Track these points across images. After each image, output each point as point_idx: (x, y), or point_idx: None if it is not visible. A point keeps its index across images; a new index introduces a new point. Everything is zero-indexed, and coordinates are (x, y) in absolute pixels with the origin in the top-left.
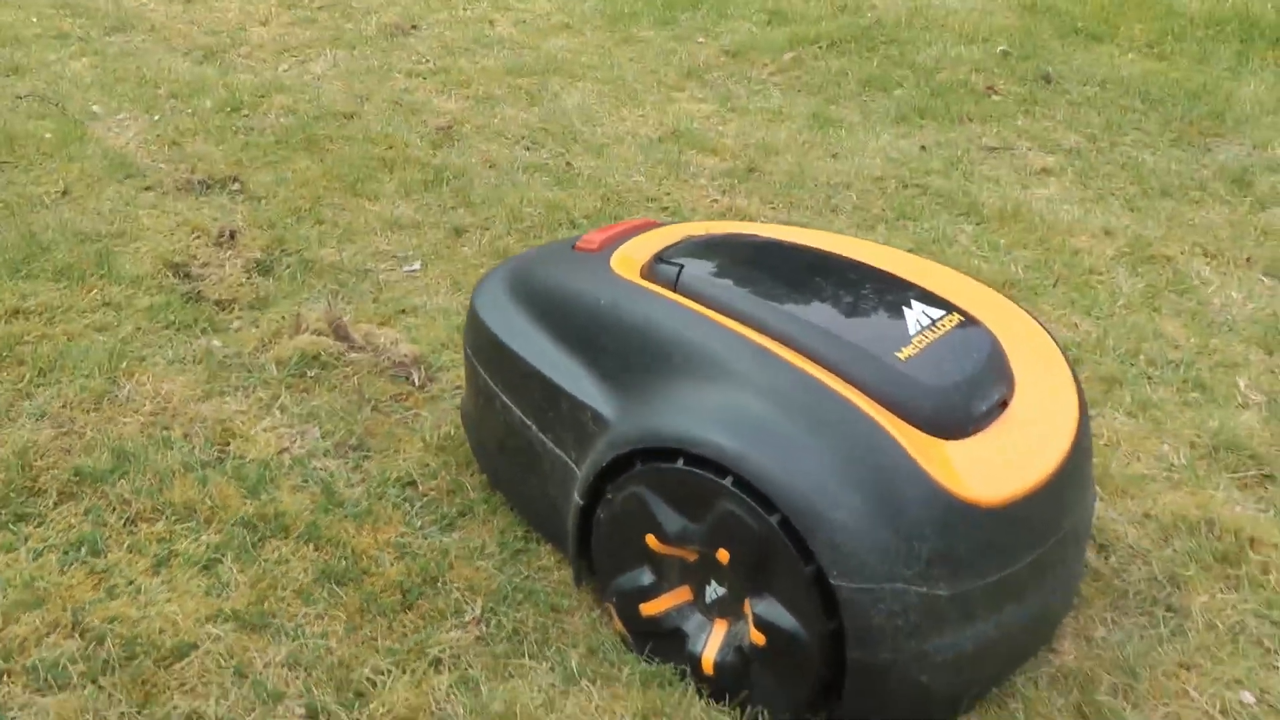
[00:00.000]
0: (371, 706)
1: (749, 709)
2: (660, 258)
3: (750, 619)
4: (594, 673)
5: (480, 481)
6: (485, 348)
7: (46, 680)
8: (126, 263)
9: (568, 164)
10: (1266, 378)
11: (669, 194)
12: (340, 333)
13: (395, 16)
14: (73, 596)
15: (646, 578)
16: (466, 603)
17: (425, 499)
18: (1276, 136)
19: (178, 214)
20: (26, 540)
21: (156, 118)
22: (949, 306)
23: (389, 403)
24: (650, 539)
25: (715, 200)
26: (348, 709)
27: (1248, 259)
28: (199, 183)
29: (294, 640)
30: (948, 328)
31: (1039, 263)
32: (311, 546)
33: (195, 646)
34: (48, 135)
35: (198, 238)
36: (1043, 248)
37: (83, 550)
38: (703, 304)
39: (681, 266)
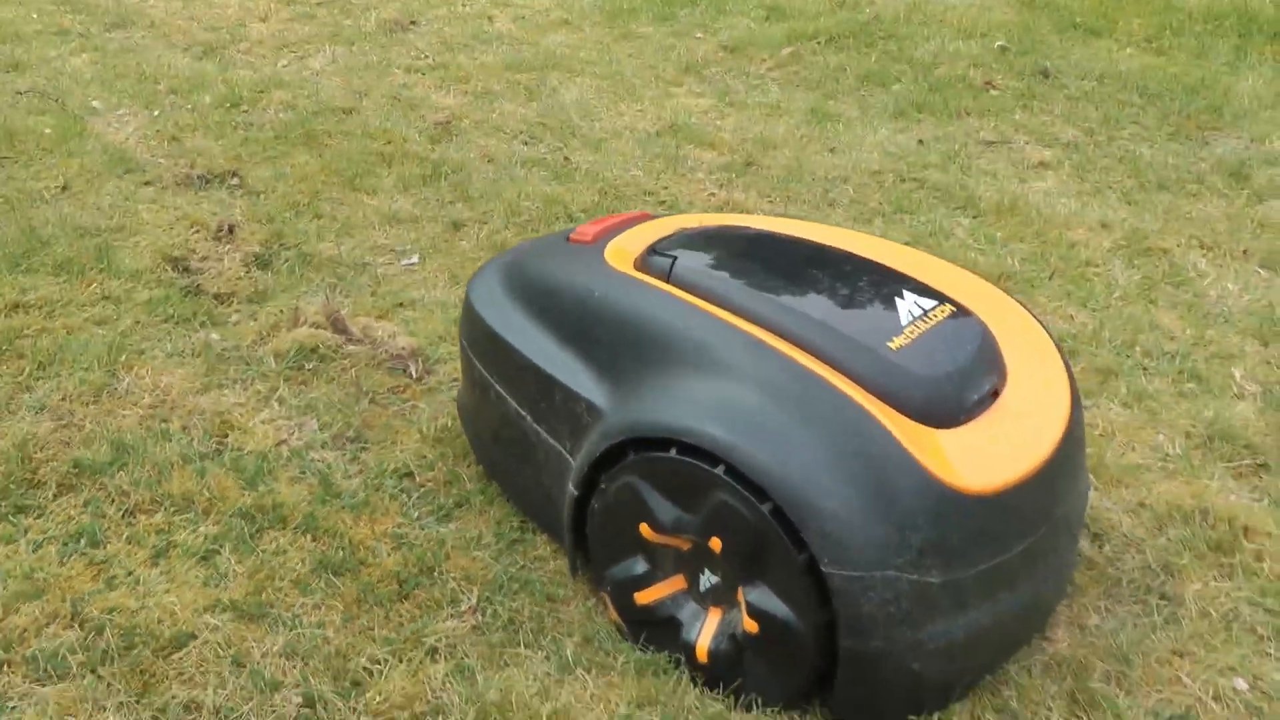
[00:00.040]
0: (368, 695)
1: (743, 697)
2: (653, 249)
3: (743, 607)
4: (589, 661)
5: (477, 472)
6: (480, 340)
7: (46, 670)
8: (126, 257)
9: (566, 158)
10: (1262, 368)
11: (666, 188)
12: (338, 326)
13: (394, 12)
14: (72, 587)
15: (640, 567)
16: (463, 592)
17: (422, 490)
18: (1274, 130)
19: (177, 209)
20: (26, 532)
21: (156, 113)
22: (941, 297)
23: (386, 395)
24: (644, 528)
25: (713, 194)
26: (344, 698)
27: (1244, 251)
28: (198, 178)
29: (291, 630)
30: (939, 318)
31: (1035, 255)
32: (309, 537)
33: (193, 636)
34: (48, 131)
35: (197, 232)
36: (1039, 241)
37: (82, 541)
38: (695, 295)
39: (675, 258)
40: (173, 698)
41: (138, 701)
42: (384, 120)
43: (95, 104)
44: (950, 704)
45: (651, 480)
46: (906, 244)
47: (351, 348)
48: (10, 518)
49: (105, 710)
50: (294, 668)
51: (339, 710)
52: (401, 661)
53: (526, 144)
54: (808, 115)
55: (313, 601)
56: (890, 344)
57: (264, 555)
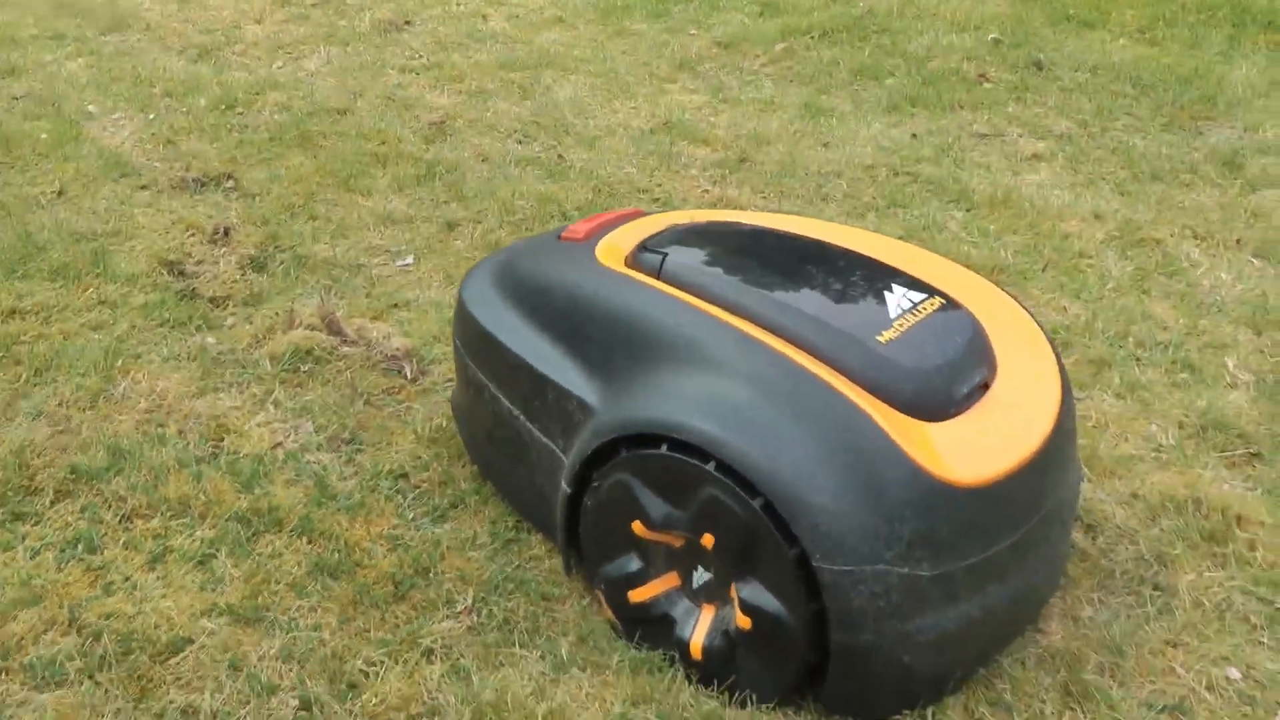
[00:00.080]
0: (364, 697)
1: (736, 694)
2: (644, 246)
3: (736, 603)
4: (584, 660)
5: (472, 472)
6: (473, 339)
7: (44, 677)
8: (122, 261)
9: (560, 157)
10: (1255, 357)
11: (660, 185)
12: (333, 327)
13: (389, 13)
14: (69, 594)
15: (634, 564)
16: (458, 593)
17: (417, 491)
18: (1267, 119)
19: (172, 212)
20: (24, 539)
21: (151, 117)
22: (931, 290)
23: (381, 396)
24: (636, 526)
25: (706, 191)
26: (340, 700)
27: (1237, 241)
28: (193, 181)
29: (287, 633)
30: (929, 311)
31: (1028, 248)
32: (305, 540)
33: (190, 641)
34: (43, 136)
35: (192, 235)
36: (1032, 233)
37: (79, 548)
38: (686, 291)
39: (665, 255)
40: (170, 702)
41: (135, 707)
42: (378, 120)
43: (91, 108)
44: (944, 697)
45: (643, 477)
46: (900, 238)
47: (346, 349)
48: (8, 525)
49: (103, 716)
50: (290, 671)
51: (335, 713)
52: (397, 663)
53: (520, 143)
54: (801, 110)
55: (309, 604)
56: (879, 337)
57: (260, 559)
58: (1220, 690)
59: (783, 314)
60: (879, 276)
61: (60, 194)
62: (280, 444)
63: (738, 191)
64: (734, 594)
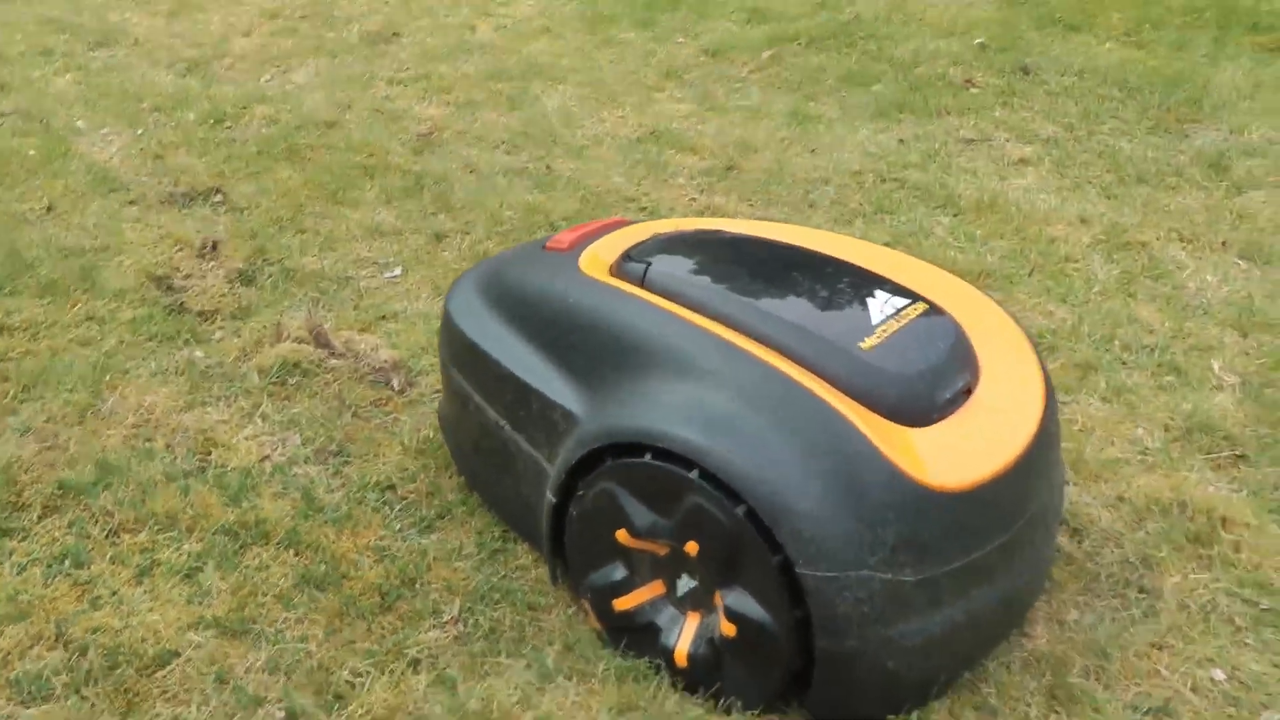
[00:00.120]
0: (350, 708)
1: (722, 701)
2: (628, 256)
3: (721, 611)
4: (570, 669)
5: (458, 483)
6: (459, 350)
7: (30, 692)
8: (110, 277)
9: (547, 167)
10: (1240, 359)
11: (648, 194)
12: (321, 340)
13: (377, 24)
14: (56, 609)
15: (619, 573)
16: (444, 603)
17: (404, 502)
18: (1253, 121)
19: (161, 227)
20: (11, 554)
21: (140, 132)
22: (913, 296)
23: (369, 408)
24: (621, 534)
25: (694, 199)
26: (327, 711)
27: (1223, 243)
28: (182, 195)
29: (274, 645)
30: (912, 317)
31: (1015, 252)
32: (292, 552)
33: (177, 654)
34: (32, 152)
35: (180, 250)
36: (1019, 237)
37: (66, 563)
38: (669, 300)
39: (649, 264)
40: (156, 716)
41: None
42: (366, 133)
43: (79, 124)
44: (929, 701)
45: (628, 486)
46: (887, 244)
47: (334, 362)
48: None
49: None
50: (277, 683)
51: None
52: (384, 673)
53: (508, 153)
54: (788, 117)
55: (295, 616)
56: (862, 344)
57: (247, 571)
58: (1205, 692)
59: (765, 322)
60: (862, 283)
61: (49, 210)
62: (268, 457)
63: (725, 199)
64: (719, 601)
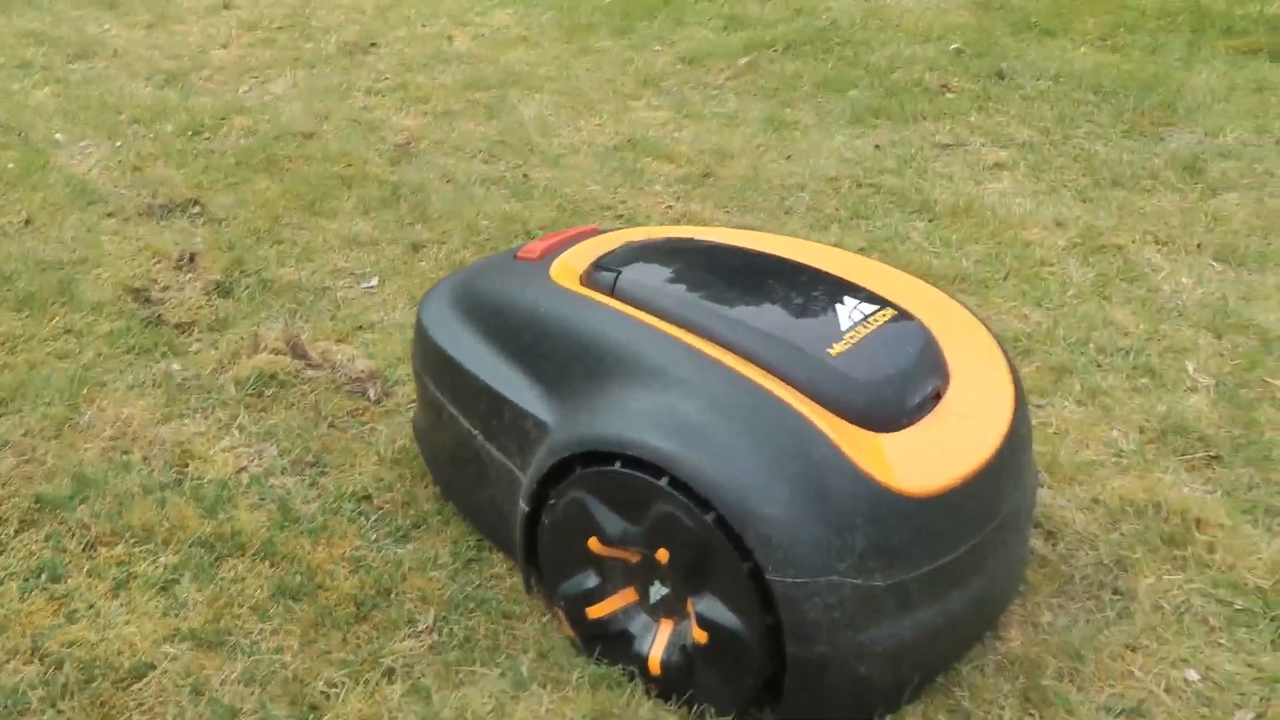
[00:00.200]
0: (325, 719)
1: (695, 707)
2: (598, 264)
3: (693, 618)
4: (544, 677)
5: (434, 493)
6: (432, 360)
7: (5, 707)
8: (88, 290)
9: (525, 176)
10: (1215, 361)
11: (624, 202)
12: (297, 351)
13: (355, 35)
14: (32, 623)
15: (591, 581)
16: (419, 613)
17: (380, 512)
18: (1227, 123)
19: (139, 239)
20: None
21: (118, 144)
22: (882, 302)
23: (345, 418)
24: (593, 542)
25: (670, 206)
26: None
27: (1198, 245)
28: (160, 207)
29: (250, 656)
30: (880, 323)
31: (990, 256)
32: (267, 563)
33: (153, 667)
34: (10, 165)
35: (158, 262)
36: (994, 241)
37: (43, 576)
38: (639, 308)
39: (619, 273)
40: None
41: None
42: (344, 143)
43: (58, 136)
44: (901, 706)
45: (598, 494)
46: (862, 249)
47: (311, 373)
48: None
49: None
50: (252, 694)
51: None
52: (358, 683)
53: (486, 162)
54: (765, 124)
55: (271, 627)
56: (830, 350)
57: (223, 583)
58: (1179, 692)
59: (734, 329)
60: (831, 290)
61: (28, 223)
62: (244, 469)
63: (701, 206)
64: (690, 608)
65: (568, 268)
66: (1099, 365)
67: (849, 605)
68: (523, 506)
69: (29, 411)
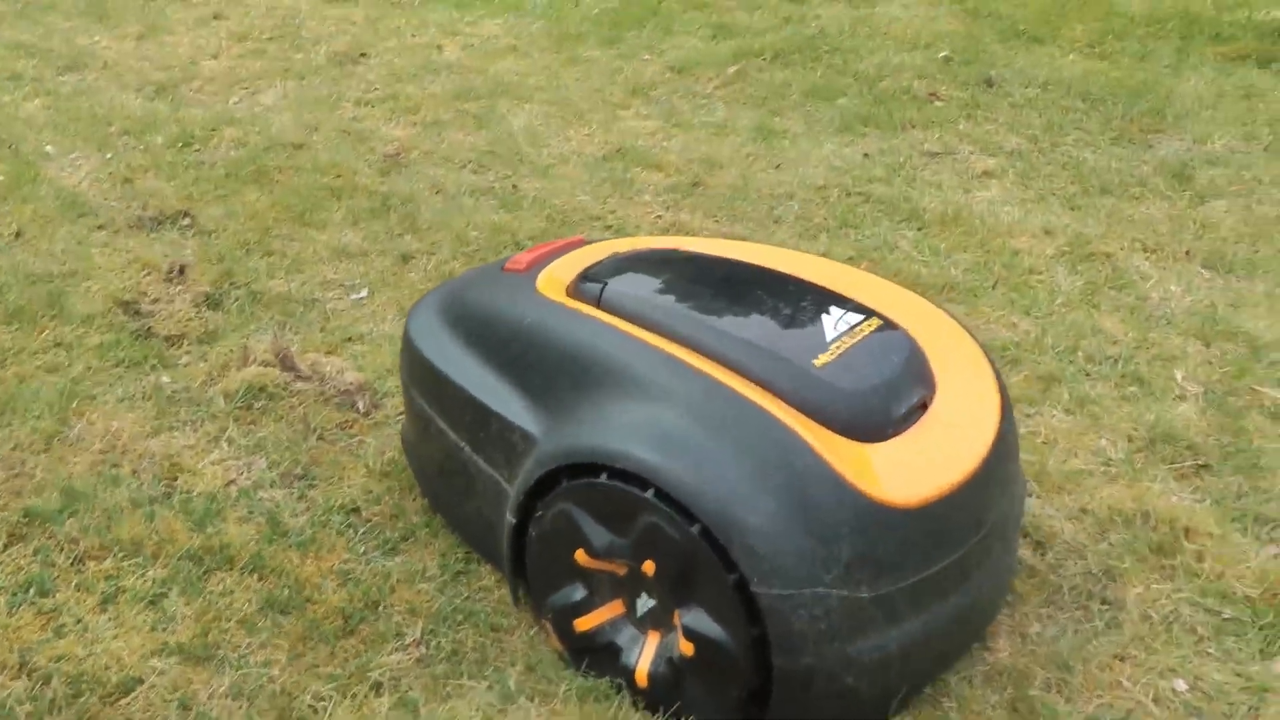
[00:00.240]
0: None
1: (682, 718)
2: (584, 276)
3: (679, 630)
4: (532, 690)
5: (422, 506)
6: (419, 372)
7: None
8: (78, 302)
9: (514, 186)
10: (1203, 369)
11: (614, 212)
12: (287, 363)
13: (345, 45)
14: (20, 638)
15: (579, 593)
16: (407, 625)
17: (368, 525)
18: (1216, 130)
19: (129, 251)
20: None
21: (109, 156)
22: (868, 312)
23: (334, 431)
24: (580, 555)
25: (659, 216)
26: None
27: (1187, 252)
28: (150, 219)
29: (237, 670)
30: (866, 333)
31: (979, 265)
32: (256, 577)
33: (140, 681)
34: (1, 178)
35: (148, 274)
36: (983, 250)
37: (31, 591)
38: (625, 320)
39: (604, 284)
40: None
41: None
42: (334, 154)
43: (49, 149)
44: (889, 717)
45: (585, 506)
46: (851, 259)
47: (300, 385)
48: None
49: None
50: (240, 708)
51: None
52: (346, 697)
53: (475, 173)
54: (754, 133)
55: (259, 641)
56: (816, 361)
57: (211, 597)
58: (1167, 702)
59: (719, 340)
60: (816, 300)
61: (18, 236)
62: (233, 482)
63: (690, 216)
64: (677, 620)
65: (554, 279)
66: (1087, 374)
67: (835, 617)
68: (510, 519)
69: (18, 425)
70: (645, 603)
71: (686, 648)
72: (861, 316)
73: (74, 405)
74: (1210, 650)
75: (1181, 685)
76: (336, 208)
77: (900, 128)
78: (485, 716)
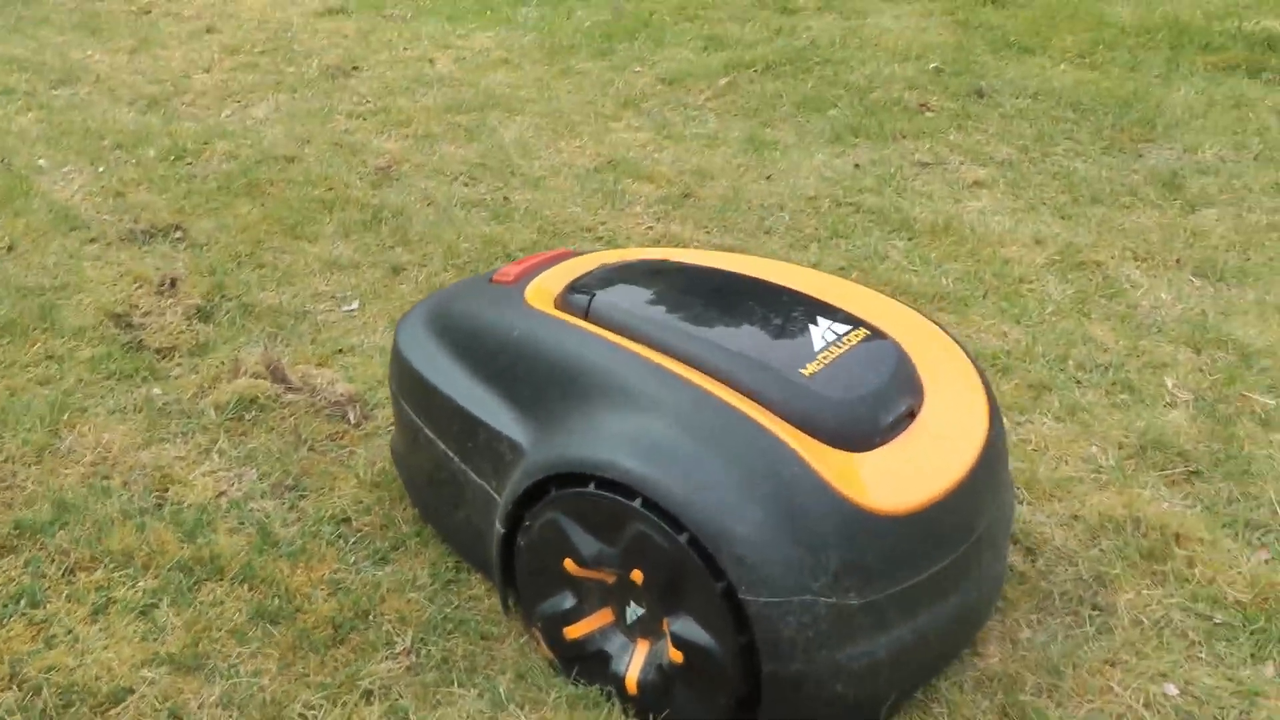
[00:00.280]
0: None
1: None
2: (573, 287)
3: (668, 637)
4: (522, 697)
5: (412, 515)
6: (408, 383)
7: None
8: (69, 315)
9: (505, 198)
10: (1194, 376)
11: (605, 223)
12: (277, 375)
13: (336, 58)
14: (11, 649)
15: (568, 602)
16: (397, 634)
17: (359, 535)
18: (1206, 139)
19: (120, 264)
20: None
21: (101, 169)
22: (855, 322)
23: (325, 442)
24: (569, 563)
25: (650, 228)
26: None
27: (1177, 260)
28: (142, 232)
29: (228, 680)
30: (853, 342)
31: (969, 274)
32: (246, 587)
33: (131, 691)
34: None
35: (140, 287)
36: (973, 259)
37: (22, 602)
38: (613, 331)
39: (592, 295)
40: None
41: None
42: (325, 167)
43: (41, 162)
44: None
45: (573, 515)
46: (841, 269)
47: (291, 396)
48: None
49: None
50: (230, 718)
51: None
52: (336, 706)
53: (466, 185)
54: (745, 144)
55: (249, 651)
56: (803, 370)
57: (202, 607)
58: (1158, 707)
59: (707, 350)
60: (804, 310)
61: (10, 249)
62: (224, 493)
63: (681, 227)
64: (666, 628)
65: (543, 291)
66: (1078, 382)
67: (823, 624)
68: (499, 528)
69: (9, 437)
70: (634, 611)
71: (676, 655)
72: (849, 326)
73: (65, 417)
74: (1201, 655)
75: (1172, 690)
76: (328, 220)
77: (891, 138)
78: None
